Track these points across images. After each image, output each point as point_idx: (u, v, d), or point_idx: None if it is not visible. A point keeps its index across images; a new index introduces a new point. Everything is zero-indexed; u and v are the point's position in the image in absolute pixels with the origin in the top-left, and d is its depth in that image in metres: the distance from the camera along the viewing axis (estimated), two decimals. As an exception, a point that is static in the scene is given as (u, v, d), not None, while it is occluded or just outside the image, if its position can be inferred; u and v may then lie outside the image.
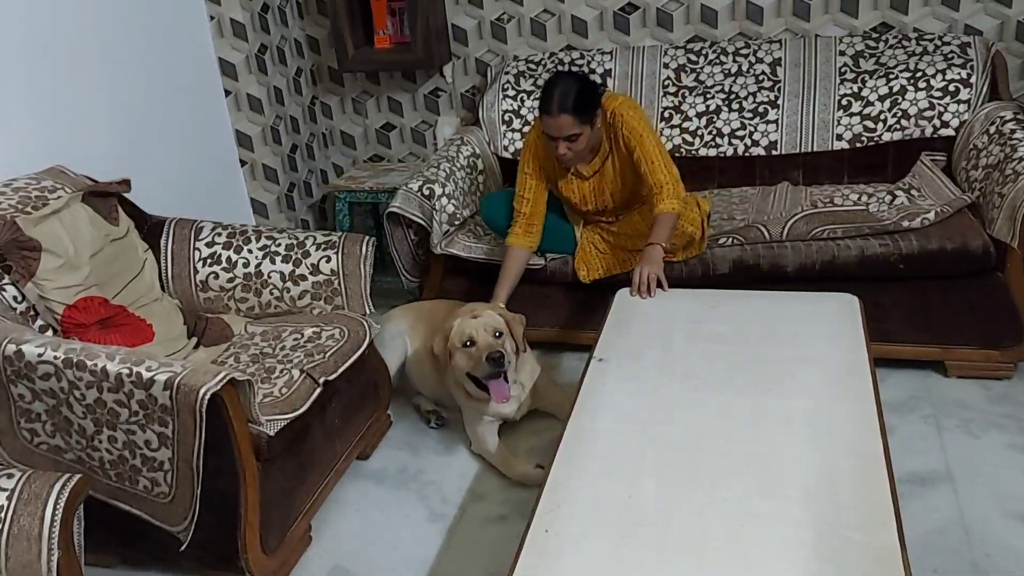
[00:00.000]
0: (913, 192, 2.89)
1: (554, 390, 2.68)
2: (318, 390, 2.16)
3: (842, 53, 3.13)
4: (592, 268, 2.87)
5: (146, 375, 1.81)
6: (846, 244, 2.67)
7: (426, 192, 2.97)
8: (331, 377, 2.21)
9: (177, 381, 1.80)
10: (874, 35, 3.16)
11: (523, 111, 3.39)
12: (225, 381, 1.83)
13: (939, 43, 3.05)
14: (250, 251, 2.53)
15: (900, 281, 2.66)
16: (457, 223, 3.09)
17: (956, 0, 3.09)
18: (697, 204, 2.78)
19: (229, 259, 2.53)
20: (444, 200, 3.00)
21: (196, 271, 2.55)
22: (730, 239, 2.80)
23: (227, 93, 3.41)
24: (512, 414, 2.59)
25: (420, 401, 2.81)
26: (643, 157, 2.58)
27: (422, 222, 2.95)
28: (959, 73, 2.98)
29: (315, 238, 2.54)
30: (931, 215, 2.66)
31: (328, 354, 2.26)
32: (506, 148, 3.43)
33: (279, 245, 2.53)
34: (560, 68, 3.30)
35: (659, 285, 2.45)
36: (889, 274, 2.65)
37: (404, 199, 2.96)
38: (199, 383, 1.80)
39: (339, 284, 2.49)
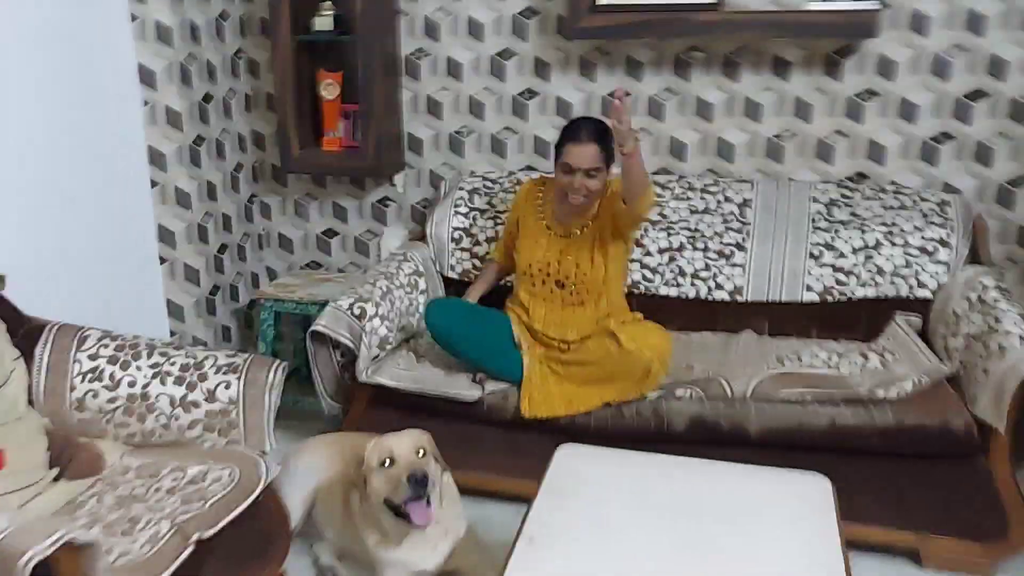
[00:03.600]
0: (887, 355, 2.66)
1: (477, 554, 2.31)
2: (188, 550, 1.79)
3: (815, 200, 2.94)
4: (535, 404, 2.59)
5: (-43, 531, 1.44)
6: (815, 410, 2.41)
7: (357, 311, 2.67)
8: (207, 533, 1.84)
9: (-6, 542, 1.43)
10: (850, 184, 2.99)
11: (474, 230, 3.14)
12: (59, 544, 1.46)
13: (917, 199, 2.88)
14: (138, 368, 2.18)
15: (873, 456, 2.40)
16: (389, 347, 2.79)
17: (935, 156, 2.96)
18: (660, 333, 2.62)
19: (112, 375, 2.18)
20: (376, 321, 2.69)
21: (73, 387, 2.19)
22: (689, 392, 2.52)
23: (153, 184, 3.11)
24: (431, 568, 2.22)
25: (320, 552, 2.43)
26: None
27: (349, 344, 2.64)
28: (938, 233, 2.80)
29: (216, 359, 2.20)
30: (908, 385, 2.41)
31: (209, 502, 1.89)
32: (453, 267, 3.17)
33: (173, 364, 2.19)
34: (516, 188, 3.07)
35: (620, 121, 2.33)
36: (861, 447, 2.39)
37: (332, 317, 2.65)
38: (23, 547, 1.43)
39: (237, 415, 2.14)
